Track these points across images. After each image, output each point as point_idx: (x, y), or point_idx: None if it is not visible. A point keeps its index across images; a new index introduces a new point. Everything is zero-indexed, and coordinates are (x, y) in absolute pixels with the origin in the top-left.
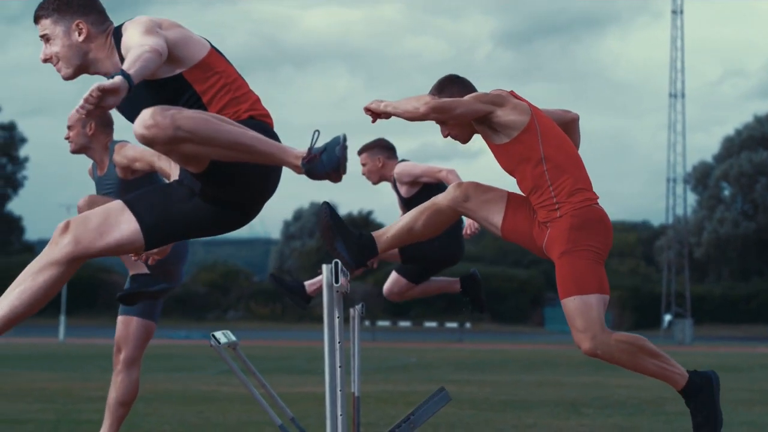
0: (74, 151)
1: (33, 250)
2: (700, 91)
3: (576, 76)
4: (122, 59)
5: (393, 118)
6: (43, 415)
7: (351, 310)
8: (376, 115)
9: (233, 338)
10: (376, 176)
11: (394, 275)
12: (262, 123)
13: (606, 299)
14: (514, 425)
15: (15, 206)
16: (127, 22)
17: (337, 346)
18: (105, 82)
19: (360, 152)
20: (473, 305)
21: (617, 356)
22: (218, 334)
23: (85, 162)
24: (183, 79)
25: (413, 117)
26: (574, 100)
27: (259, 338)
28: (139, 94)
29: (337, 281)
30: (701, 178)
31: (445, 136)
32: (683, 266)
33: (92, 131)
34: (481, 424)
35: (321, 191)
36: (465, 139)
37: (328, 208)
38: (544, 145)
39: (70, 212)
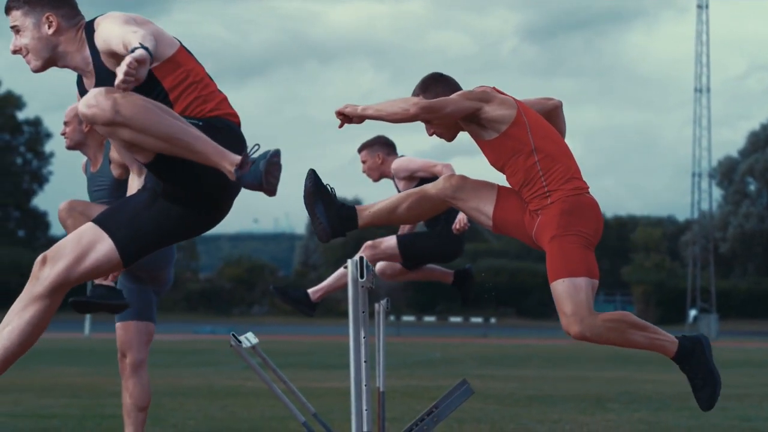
0: (70, 147)
1: None
2: (726, 85)
3: (601, 71)
4: (95, 53)
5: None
6: (69, 410)
7: (376, 305)
8: (347, 119)
9: (255, 340)
10: (377, 173)
11: (392, 240)
12: (227, 122)
13: (595, 284)
14: (540, 420)
15: (40, 201)
16: (99, 17)
17: (362, 341)
18: (134, 54)
19: (360, 150)
20: (462, 299)
21: (606, 336)
22: (241, 337)
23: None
24: (152, 74)
25: (402, 118)
26: (599, 95)
27: (284, 333)
28: (111, 81)
29: (362, 276)
30: (726, 173)
31: (431, 135)
32: (708, 261)
33: (88, 127)
34: (507, 419)
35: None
36: (450, 137)
37: (312, 175)
38: (534, 137)
39: None
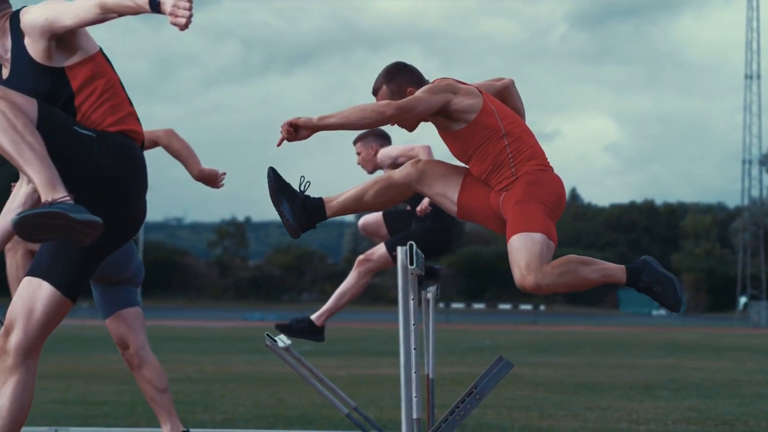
0: None
1: None
2: None
3: (650, 58)
4: (17, 40)
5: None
6: (120, 396)
7: (425, 292)
8: (294, 133)
9: (288, 342)
10: (371, 165)
11: (382, 248)
12: (124, 139)
13: (552, 246)
14: (589, 408)
15: None
16: (27, 6)
17: (412, 328)
18: None
19: (354, 142)
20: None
21: (561, 281)
22: (274, 336)
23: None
24: (63, 72)
25: (376, 122)
26: (648, 82)
27: (333, 320)
28: (26, 71)
29: (412, 263)
30: None
31: (392, 125)
32: (759, 248)
33: None
34: (556, 407)
35: None
36: (412, 128)
37: (272, 174)
38: (503, 122)
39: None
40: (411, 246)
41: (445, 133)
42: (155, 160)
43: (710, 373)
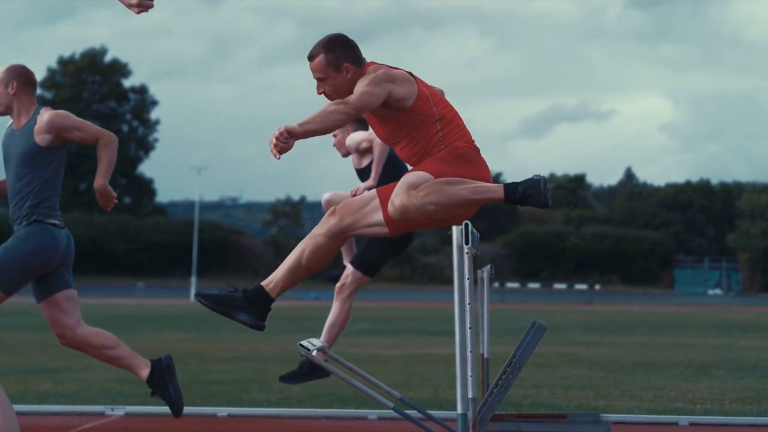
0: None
1: (164, 212)
2: None
3: (707, 37)
4: None
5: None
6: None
7: (480, 272)
8: (287, 144)
9: (321, 343)
10: (344, 148)
11: (350, 270)
12: None
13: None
14: (644, 387)
15: (146, 168)
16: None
17: (467, 307)
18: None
19: None
20: (329, 278)
21: (428, 200)
22: (305, 342)
23: (216, 124)
24: None
25: (343, 124)
26: (704, 62)
27: (388, 299)
28: None
29: (467, 242)
30: None
31: (320, 93)
32: None
33: (14, 90)
34: (611, 386)
35: None
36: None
37: (201, 297)
38: (437, 106)
39: (200, 174)
40: (466, 225)
41: (376, 118)
42: (212, 140)
43: (766, 353)
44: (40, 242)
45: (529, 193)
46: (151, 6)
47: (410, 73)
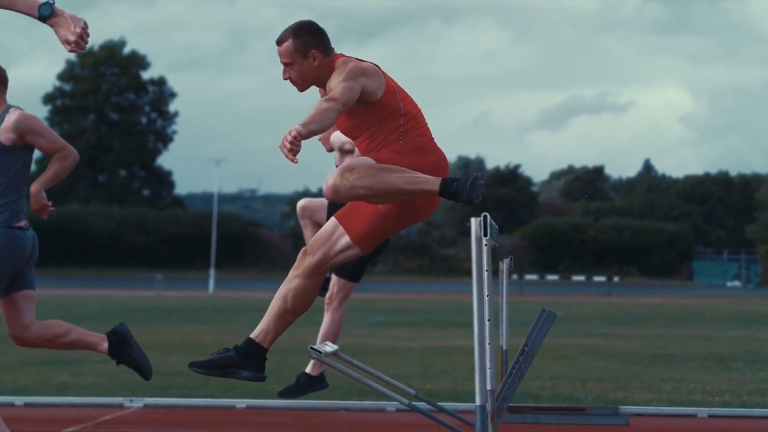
0: None
1: (183, 204)
2: None
3: (726, 28)
4: None
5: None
6: None
7: (499, 264)
8: (297, 146)
9: (334, 347)
10: (329, 144)
11: (334, 279)
12: None
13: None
14: (663, 379)
15: (165, 161)
16: None
17: (486, 299)
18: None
19: None
20: None
21: (359, 183)
22: (318, 346)
23: (235, 117)
24: None
25: (335, 119)
26: (723, 53)
27: (407, 291)
28: None
29: (485, 234)
30: None
31: (285, 78)
32: None
33: None
34: (630, 378)
35: (473, 145)
36: (303, 89)
37: (195, 367)
38: (403, 102)
39: (219, 166)
40: (485, 217)
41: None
42: (231, 132)
43: None
44: (7, 248)
45: (460, 189)
46: (83, 49)
47: (378, 66)
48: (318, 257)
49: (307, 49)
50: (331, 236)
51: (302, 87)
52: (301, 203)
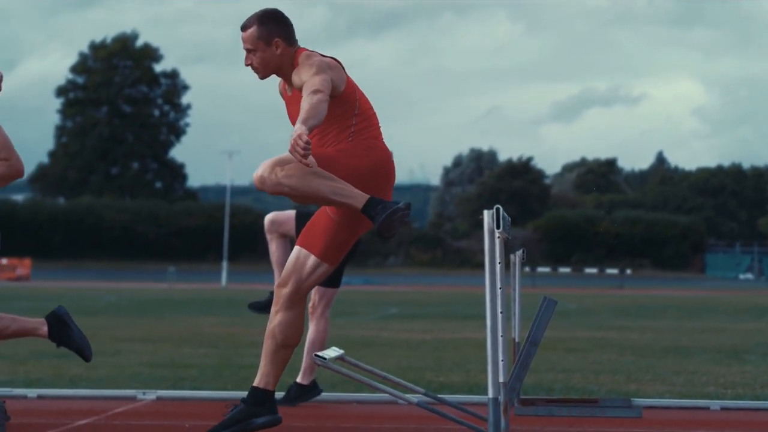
0: None
1: (195, 196)
2: None
3: (739, 21)
4: None
5: None
6: (207, 359)
7: (511, 256)
8: (306, 151)
9: (339, 351)
10: None
11: (315, 289)
12: None
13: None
14: (676, 371)
15: (178, 153)
16: None
17: (498, 291)
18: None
19: None
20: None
21: (286, 182)
22: (321, 353)
23: (247, 109)
24: None
25: (326, 110)
26: (736, 46)
27: (419, 284)
28: None
29: (498, 227)
30: None
31: (247, 65)
32: None
33: None
34: (642, 371)
35: (485, 138)
36: (263, 75)
37: None
38: (360, 99)
39: (232, 159)
40: (498, 209)
41: (295, 102)
42: (243, 125)
43: None
44: None
45: (378, 215)
46: None
47: (339, 62)
48: (292, 286)
49: (270, 37)
50: (297, 261)
51: (263, 74)
52: (269, 217)
